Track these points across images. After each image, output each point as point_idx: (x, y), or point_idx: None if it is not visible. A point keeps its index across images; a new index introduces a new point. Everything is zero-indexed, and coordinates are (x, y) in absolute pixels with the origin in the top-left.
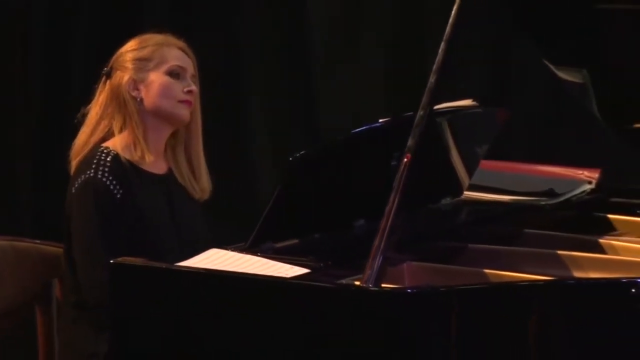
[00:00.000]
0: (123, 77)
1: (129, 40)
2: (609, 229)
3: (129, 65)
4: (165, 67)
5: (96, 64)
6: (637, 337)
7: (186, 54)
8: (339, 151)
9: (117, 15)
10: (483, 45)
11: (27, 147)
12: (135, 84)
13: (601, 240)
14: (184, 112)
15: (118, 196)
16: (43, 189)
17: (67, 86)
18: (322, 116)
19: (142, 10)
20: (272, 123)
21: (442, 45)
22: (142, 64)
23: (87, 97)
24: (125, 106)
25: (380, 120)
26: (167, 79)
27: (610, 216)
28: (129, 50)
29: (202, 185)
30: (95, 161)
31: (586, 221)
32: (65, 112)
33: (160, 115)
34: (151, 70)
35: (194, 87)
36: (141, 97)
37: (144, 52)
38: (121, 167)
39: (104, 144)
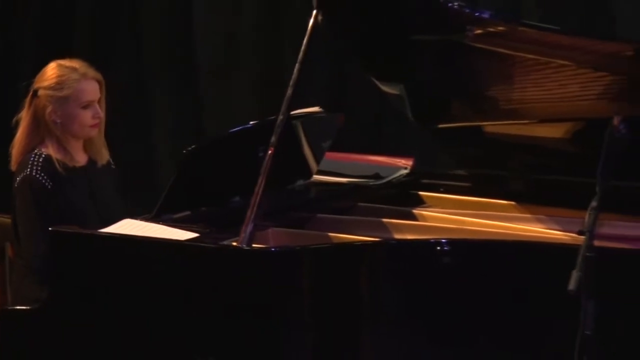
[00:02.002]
0: (46, 107)
1: (51, 65)
2: (421, 202)
3: (50, 100)
4: (80, 102)
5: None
6: (443, 283)
7: (97, 81)
8: (220, 145)
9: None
10: (326, 67)
11: None
12: (56, 115)
13: (415, 211)
14: (93, 132)
15: (49, 187)
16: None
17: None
18: (206, 118)
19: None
20: (170, 122)
21: (297, 66)
22: (62, 101)
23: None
24: (48, 127)
25: (251, 122)
26: (81, 112)
27: (421, 193)
28: (50, 86)
29: (104, 153)
30: (30, 162)
31: (403, 197)
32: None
33: (75, 135)
34: (69, 106)
35: (100, 114)
36: (60, 122)
37: (63, 93)
38: (52, 165)
39: (38, 148)
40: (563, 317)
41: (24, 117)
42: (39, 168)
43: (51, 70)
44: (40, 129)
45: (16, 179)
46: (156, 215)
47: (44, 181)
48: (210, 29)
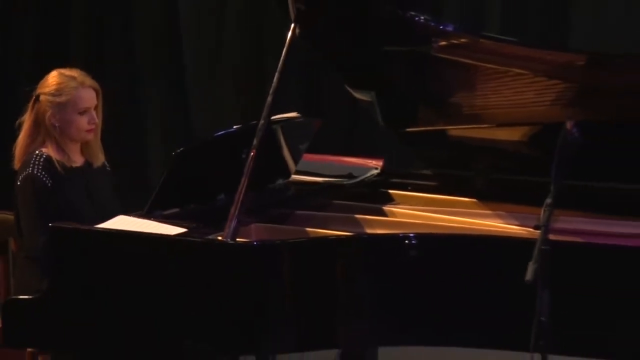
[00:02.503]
0: (46, 112)
1: (52, 74)
2: (390, 200)
3: (50, 105)
4: (77, 109)
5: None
6: (410, 273)
7: (94, 90)
8: (207, 147)
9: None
10: (304, 75)
11: None
12: (55, 119)
13: (385, 208)
14: (89, 136)
15: (49, 185)
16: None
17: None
18: (194, 123)
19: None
20: (163, 128)
21: (277, 75)
22: (60, 107)
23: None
24: (48, 130)
25: (235, 127)
26: (77, 117)
27: (390, 191)
28: (51, 93)
29: (100, 156)
30: (32, 162)
31: (374, 195)
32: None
33: (72, 138)
34: (67, 111)
35: (96, 120)
36: (59, 126)
37: (62, 98)
38: (52, 165)
39: (39, 149)
40: (520, 304)
41: (27, 119)
42: (40, 167)
43: (52, 78)
44: (40, 131)
45: (19, 177)
46: (148, 212)
47: (44, 179)
48: (198, 39)
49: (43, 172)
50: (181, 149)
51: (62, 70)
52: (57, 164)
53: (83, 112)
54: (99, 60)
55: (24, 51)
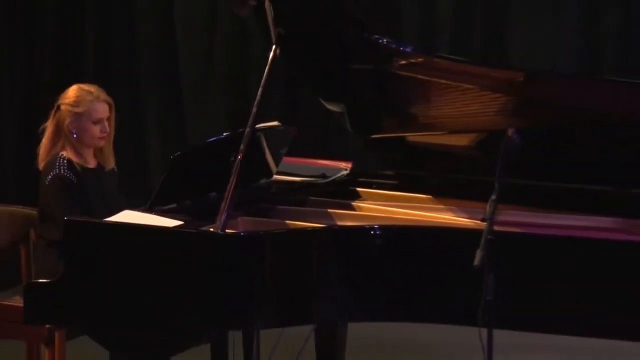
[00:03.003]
0: (65, 120)
1: (72, 88)
2: (358, 196)
3: (69, 114)
4: (92, 119)
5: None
6: (375, 259)
7: (108, 103)
8: (201, 151)
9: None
10: (284, 89)
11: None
12: (72, 127)
13: (353, 203)
14: (101, 143)
15: (74, 181)
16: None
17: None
18: (190, 130)
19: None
20: (162, 133)
21: (260, 89)
22: (77, 116)
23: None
24: (67, 136)
25: (225, 134)
26: (92, 126)
27: (358, 189)
28: (70, 104)
29: (111, 161)
30: (57, 164)
31: (344, 192)
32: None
33: (86, 144)
34: (83, 121)
35: (107, 129)
36: (75, 133)
37: (79, 109)
38: (73, 166)
39: (61, 153)
40: (469, 286)
41: (49, 126)
42: (65, 167)
43: (72, 91)
44: (61, 137)
45: (47, 177)
46: (149, 207)
47: (70, 177)
48: (192, 58)
49: (68, 172)
50: (178, 153)
51: (82, 85)
52: (76, 165)
53: (97, 122)
54: (107, 75)
55: (45, 65)
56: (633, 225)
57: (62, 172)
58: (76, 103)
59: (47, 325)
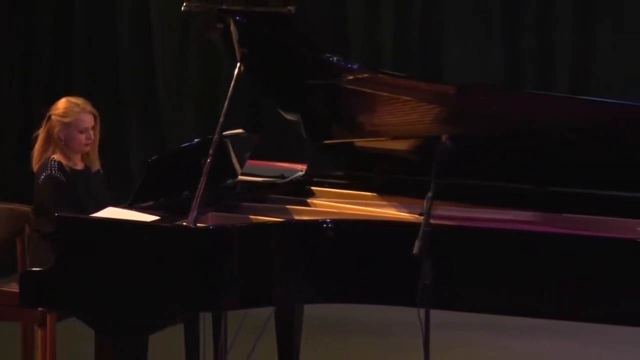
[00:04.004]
0: (55, 128)
1: (62, 101)
2: (312, 194)
3: (58, 123)
4: (79, 128)
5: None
6: (328, 249)
7: (93, 115)
8: (175, 156)
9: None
10: (247, 101)
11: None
12: (61, 134)
13: (308, 200)
14: (86, 149)
15: (64, 181)
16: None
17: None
18: (166, 137)
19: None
20: (140, 140)
21: (227, 101)
22: (66, 125)
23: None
24: (57, 142)
25: (196, 140)
26: (78, 135)
27: (312, 188)
28: (59, 114)
29: (96, 163)
30: (49, 166)
31: (300, 191)
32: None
33: (74, 150)
34: (70, 129)
35: (92, 137)
36: (64, 140)
37: (67, 119)
38: (63, 168)
39: (52, 156)
40: (410, 271)
41: (41, 133)
42: (55, 169)
43: (61, 103)
44: (51, 143)
45: (40, 178)
46: (130, 204)
47: (61, 177)
48: (168, 76)
49: (59, 172)
50: (155, 157)
51: (70, 98)
52: (65, 167)
53: (83, 131)
54: (93, 91)
55: (40, 81)
56: (548, 218)
57: (53, 173)
58: (65, 114)
59: (40, 309)
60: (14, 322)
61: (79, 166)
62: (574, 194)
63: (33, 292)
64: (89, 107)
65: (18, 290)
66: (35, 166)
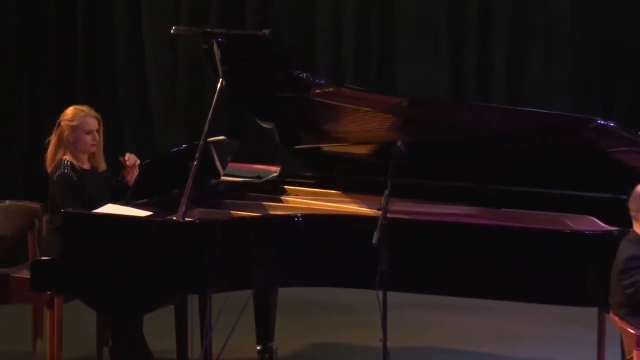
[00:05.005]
0: (64, 132)
1: (70, 108)
2: (285, 192)
3: (67, 127)
4: (85, 130)
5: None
6: (297, 240)
7: (96, 118)
8: (166, 159)
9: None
10: (229, 111)
11: (23, 155)
12: (70, 137)
13: (282, 197)
14: (93, 150)
15: (75, 179)
16: (29, 177)
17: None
18: (158, 142)
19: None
20: (136, 144)
21: (210, 112)
22: (73, 129)
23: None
24: (67, 145)
25: (184, 145)
26: (85, 136)
27: (285, 187)
28: (68, 119)
29: (102, 164)
30: (62, 166)
31: (275, 189)
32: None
33: (81, 151)
34: (78, 132)
35: (97, 138)
36: (72, 142)
37: (74, 123)
38: (74, 167)
39: (64, 157)
40: (369, 258)
41: (52, 138)
42: (68, 169)
43: (69, 110)
44: (62, 145)
45: (54, 176)
46: (127, 202)
47: (72, 176)
48: (160, 88)
49: (70, 172)
50: (148, 160)
51: (76, 106)
52: (76, 166)
53: (89, 133)
54: (95, 100)
55: (48, 93)
56: (488, 212)
57: (65, 171)
58: (72, 118)
59: (49, 292)
60: (26, 304)
61: (87, 166)
62: (510, 191)
63: (42, 278)
64: (93, 112)
65: (29, 277)
66: (49, 167)
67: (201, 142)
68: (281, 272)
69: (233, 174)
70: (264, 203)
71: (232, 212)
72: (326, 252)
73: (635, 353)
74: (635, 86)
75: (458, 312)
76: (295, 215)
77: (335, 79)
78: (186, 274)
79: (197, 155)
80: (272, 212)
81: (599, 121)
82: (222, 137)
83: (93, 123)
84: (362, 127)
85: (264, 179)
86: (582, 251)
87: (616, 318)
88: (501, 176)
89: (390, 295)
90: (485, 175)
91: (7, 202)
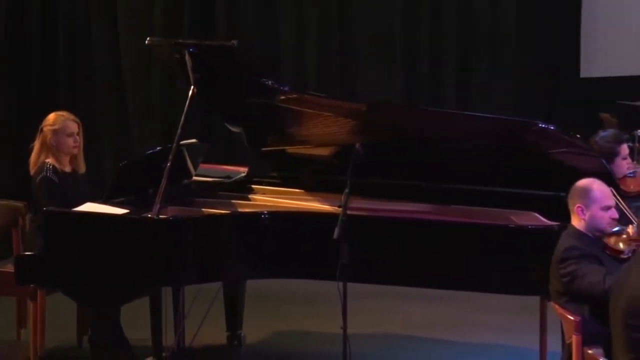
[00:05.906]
0: (47, 136)
1: (51, 114)
2: (252, 191)
3: (50, 132)
4: (66, 133)
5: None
6: (265, 235)
7: (76, 122)
8: (141, 160)
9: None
10: (200, 116)
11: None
12: (53, 140)
13: (249, 196)
14: (74, 151)
15: (56, 181)
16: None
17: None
18: (133, 144)
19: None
20: (113, 148)
21: (183, 117)
22: (55, 132)
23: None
24: (49, 148)
25: (158, 148)
26: (66, 138)
27: (252, 186)
28: (50, 124)
29: (82, 167)
30: (44, 169)
31: (243, 188)
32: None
33: (64, 152)
34: (59, 135)
35: (78, 141)
36: (55, 144)
37: (56, 127)
38: (56, 170)
39: (46, 160)
40: (331, 252)
41: (36, 143)
42: (50, 171)
43: (51, 116)
44: (45, 149)
45: (36, 179)
46: (105, 200)
47: (54, 178)
48: (136, 94)
49: (52, 174)
50: (125, 161)
51: (57, 112)
52: (58, 169)
53: (70, 135)
54: (74, 107)
55: (32, 102)
56: (440, 209)
57: (47, 174)
58: (54, 123)
59: (32, 285)
60: (10, 296)
61: (68, 169)
62: (460, 189)
63: (26, 272)
64: (72, 116)
65: (14, 271)
66: (32, 170)
67: (174, 144)
68: (249, 265)
69: (204, 174)
70: (233, 201)
71: (203, 209)
72: (291, 247)
73: (574, 338)
74: (572, 93)
75: (412, 301)
76: (262, 213)
77: (299, 85)
78: (161, 267)
79: (170, 157)
80: (240, 210)
81: (540, 124)
82: (193, 140)
83: (73, 126)
84: (323, 131)
85: (233, 179)
86: (525, 244)
87: (556, 306)
88: (452, 175)
89: (350, 286)
90: (438, 174)
91: None
